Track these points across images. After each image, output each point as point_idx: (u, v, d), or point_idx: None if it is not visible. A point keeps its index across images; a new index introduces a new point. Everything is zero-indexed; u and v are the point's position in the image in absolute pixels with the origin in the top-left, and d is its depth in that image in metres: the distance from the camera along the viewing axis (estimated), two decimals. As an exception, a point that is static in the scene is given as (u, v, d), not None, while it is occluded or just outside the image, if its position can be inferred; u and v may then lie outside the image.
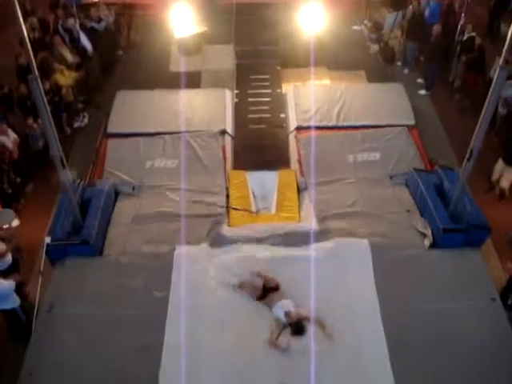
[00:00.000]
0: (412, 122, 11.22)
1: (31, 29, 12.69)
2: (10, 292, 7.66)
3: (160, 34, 14.16)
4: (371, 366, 6.90)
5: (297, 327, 7.18)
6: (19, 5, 6.42)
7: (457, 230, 8.42)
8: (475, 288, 7.80)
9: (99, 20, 13.70)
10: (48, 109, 7.20)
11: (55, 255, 8.31)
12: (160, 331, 7.27)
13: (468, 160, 7.84)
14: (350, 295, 7.71)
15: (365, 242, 8.39)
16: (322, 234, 8.64)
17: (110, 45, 14.30)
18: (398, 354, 6.97)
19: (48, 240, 8.20)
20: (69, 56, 12.60)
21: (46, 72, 11.84)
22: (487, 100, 7.24)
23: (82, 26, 13.23)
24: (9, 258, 8.47)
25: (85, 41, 13.26)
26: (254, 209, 9.56)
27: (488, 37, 14.58)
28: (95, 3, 13.84)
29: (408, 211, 9.18)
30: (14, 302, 7.87)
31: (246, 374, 6.85)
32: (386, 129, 10.86)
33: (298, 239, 8.58)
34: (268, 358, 6.99)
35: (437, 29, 12.92)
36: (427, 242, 8.56)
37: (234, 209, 9.26)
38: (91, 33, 13.52)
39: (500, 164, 10.44)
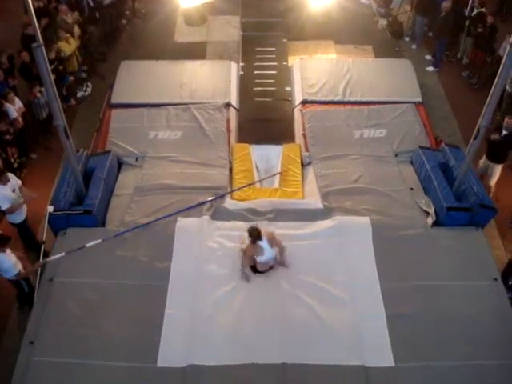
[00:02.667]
0: (419, 99, 11.10)
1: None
2: (11, 265, 7.67)
3: (165, 3, 13.97)
4: (370, 340, 6.94)
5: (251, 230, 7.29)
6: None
7: (461, 209, 8.38)
8: (477, 267, 7.79)
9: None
10: (52, 78, 7.13)
11: (57, 225, 8.31)
12: (161, 302, 7.30)
13: (474, 138, 7.77)
14: (350, 272, 7.72)
15: (366, 220, 8.38)
16: (324, 212, 8.63)
17: (113, 13, 14.11)
18: (397, 328, 7.02)
19: (50, 209, 8.21)
20: (73, 23, 12.43)
21: (50, 40, 11.73)
22: (496, 79, 7.14)
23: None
24: (23, 212, 8.67)
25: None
26: (257, 182, 9.54)
27: (498, 15, 14.35)
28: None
29: (412, 189, 9.14)
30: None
31: (248, 345, 6.89)
32: (393, 105, 10.75)
33: (300, 216, 8.57)
34: (272, 329, 7.03)
35: (446, 5, 12.71)
36: (430, 221, 8.54)
37: (240, 188, 9.18)
38: (96, 3, 13.34)
39: (484, 161, 9.98)
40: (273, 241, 7.43)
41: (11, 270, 7.65)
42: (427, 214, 8.64)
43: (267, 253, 7.40)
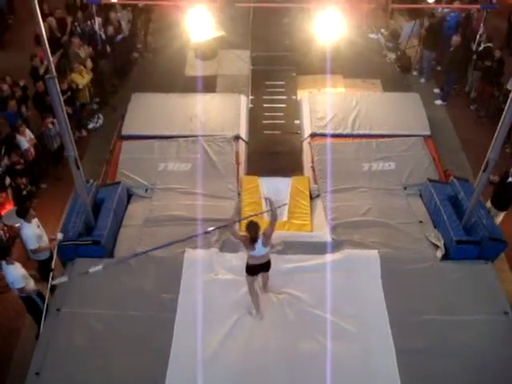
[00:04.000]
0: (427, 132, 11.15)
1: (49, 29, 12.74)
2: (16, 278, 7.61)
3: (176, 37, 14.19)
4: (380, 377, 6.86)
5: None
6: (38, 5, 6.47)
7: (470, 242, 8.35)
8: (488, 301, 7.74)
9: (118, 28, 13.70)
10: (64, 109, 7.24)
11: (66, 255, 8.34)
12: (168, 333, 7.27)
13: (484, 171, 7.77)
14: (358, 306, 7.70)
15: (375, 253, 8.37)
16: (333, 245, 8.63)
17: (126, 47, 14.33)
18: (406, 363, 6.93)
19: (60, 236, 8.21)
20: (86, 57, 12.63)
21: (63, 72, 11.89)
22: (504, 112, 7.17)
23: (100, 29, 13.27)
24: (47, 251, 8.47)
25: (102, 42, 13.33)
26: (265, 215, 9.53)
27: (506, 49, 14.47)
28: (114, 5, 13.84)
29: (421, 222, 9.12)
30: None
31: (255, 377, 6.84)
32: (402, 138, 10.81)
33: (309, 248, 8.58)
34: (279, 363, 6.98)
35: (456, 39, 12.83)
36: (439, 254, 8.51)
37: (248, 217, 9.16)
38: (108, 38, 13.56)
39: (489, 204, 9.55)
40: (267, 241, 7.18)
41: (17, 283, 7.57)
42: (436, 247, 8.61)
43: (258, 250, 7.16)
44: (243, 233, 7.40)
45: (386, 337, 7.25)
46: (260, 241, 7.06)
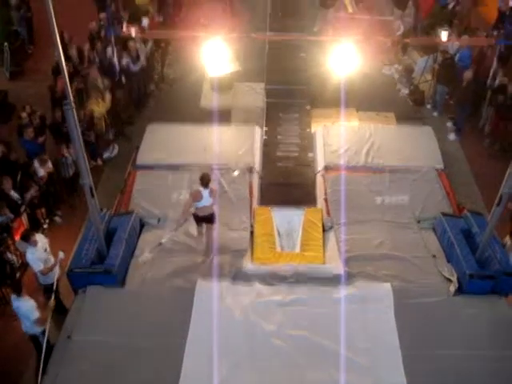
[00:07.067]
0: (441, 165, 11.13)
1: (69, 58, 13.00)
2: (30, 313, 7.67)
3: (192, 69, 14.41)
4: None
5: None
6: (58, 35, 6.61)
7: (484, 277, 8.27)
8: (502, 337, 7.62)
9: (136, 57, 13.94)
10: (81, 138, 7.34)
11: (78, 282, 8.37)
12: (178, 365, 7.21)
13: (497, 205, 7.74)
14: (371, 340, 7.61)
15: (387, 287, 8.31)
16: (346, 278, 8.58)
17: (142, 79, 14.56)
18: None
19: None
20: (103, 88, 12.85)
21: (81, 101, 12.10)
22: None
23: (118, 58, 13.51)
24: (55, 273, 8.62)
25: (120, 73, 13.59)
26: (278, 246, 9.53)
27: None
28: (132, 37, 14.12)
29: (434, 256, 9.06)
30: (33, 326, 7.87)
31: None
32: (415, 172, 10.80)
33: (321, 281, 8.54)
34: None
35: (468, 74, 12.90)
36: (453, 288, 8.43)
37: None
38: (125, 69, 13.79)
39: (507, 240, 9.57)
40: (213, 192, 8.81)
41: (32, 315, 7.62)
42: (450, 281, 8.53)
43: (205, 200, 8.72)
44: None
45: (399, 371, 7.14)
46: (207, 192, 8.67)
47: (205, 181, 8.69)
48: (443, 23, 13.82)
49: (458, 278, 8.46)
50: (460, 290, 8.37)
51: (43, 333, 7.84)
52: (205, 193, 8.69)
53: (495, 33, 14.41)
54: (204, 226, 9.16)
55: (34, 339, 8.09)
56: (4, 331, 8.89)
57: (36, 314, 7.67)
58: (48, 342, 7.94)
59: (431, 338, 7.61)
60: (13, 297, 7.76)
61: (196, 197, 8.76)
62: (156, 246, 8.89)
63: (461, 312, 7.98)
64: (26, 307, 7.65)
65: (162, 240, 8.93)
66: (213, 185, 9.00)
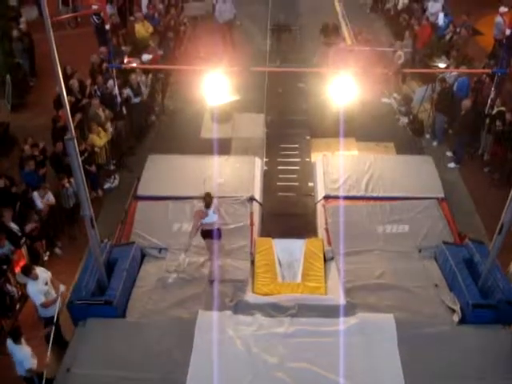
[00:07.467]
0: (441, 194, 11.13)
1: (71, 91, 13.12)
2: (24, 361, 7.54)
3: (193, 101, 14.53)
4: None
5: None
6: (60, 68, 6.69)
7: (487, 306, 8.21)
8: (506, 367, 7.52)
9: (137, 91, 14.09)
10: (82, 170, 7.38)
11: (78, 314, 8.31)
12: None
13: (499, 234, 7.73)
14: (374, 371, 7.53)
15: (390, 317, 8.24)
16: (348, 309, 8.52)
17: (143, 110, 14.68)
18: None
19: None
20: (105, 119, 12.94)
21: (82, 133, 12.16)
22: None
23: (120, 90, 13.65)
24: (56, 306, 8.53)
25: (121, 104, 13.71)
26: (279, 277, 9.49)
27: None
28: (134, 69, 14.27)
29: (436, 285, 9.01)
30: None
31: None
32: (416, 201, 10.79)
33: (323, 312, 8.47)
34: None
35: (467, 103, 13.00)
36: (456, 318, 8.36)
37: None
38: (126, 100, 13.92)
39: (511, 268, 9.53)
40: (217, 209, 9.14)
41: (25, 363, 7.48)
42: (453, 311, 8.46)
43: (210, 217, 9.02)
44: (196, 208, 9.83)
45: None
46: (211, 210, 9.00)
47: (206, 202, 9.01)
48: (440, 54, 14.00)
49: (461, 308, 8.39)
50: (463, 320, 8.30)
51: (38, 377, 7.67)
52: (209, 211, 9.01)
53: (491, 62, 14.62)
54: (210, 241, 9.32)
55: (29, 381, 7.87)
56: (4, 366, 8.71)
57: (30, 363, 7.51)
58: (47, 379, 7.73)
59: (435, 368, 7.51)
60: (8, 341, 7.56)
61: (200, 215, 9.07)
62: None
63: (464, 342, 7.89)
64: (22, 354, 7.51)
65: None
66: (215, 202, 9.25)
